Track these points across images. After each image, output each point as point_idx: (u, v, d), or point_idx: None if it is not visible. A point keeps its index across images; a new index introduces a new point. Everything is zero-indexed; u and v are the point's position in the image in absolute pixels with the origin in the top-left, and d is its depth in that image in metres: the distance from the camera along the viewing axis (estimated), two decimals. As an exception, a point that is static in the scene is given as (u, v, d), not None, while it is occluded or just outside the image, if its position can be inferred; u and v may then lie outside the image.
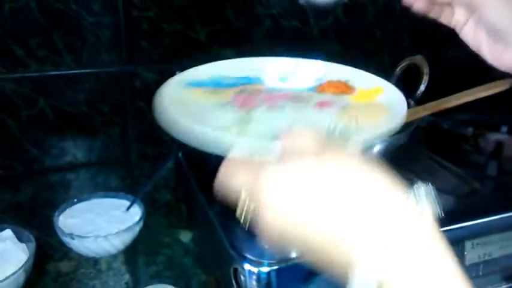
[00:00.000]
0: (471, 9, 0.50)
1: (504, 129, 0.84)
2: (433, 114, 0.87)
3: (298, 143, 0.32)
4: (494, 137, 0.81)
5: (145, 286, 0.55)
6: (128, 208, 0.63)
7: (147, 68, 0.80)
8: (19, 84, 0.74)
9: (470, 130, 0.79)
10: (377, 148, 0.56)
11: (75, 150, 0.81)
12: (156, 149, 0.86)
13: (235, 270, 0.50)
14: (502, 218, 0.60)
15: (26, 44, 0.72)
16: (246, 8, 0.82)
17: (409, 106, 0.66)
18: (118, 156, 0.84)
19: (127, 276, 0.59)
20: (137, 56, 0.79)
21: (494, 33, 0.49)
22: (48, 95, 0.76)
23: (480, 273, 0.59)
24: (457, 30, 0.53)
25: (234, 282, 0.51)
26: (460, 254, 0.57)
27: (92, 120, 0.80)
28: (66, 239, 0.58)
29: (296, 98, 0.56)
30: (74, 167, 0.81)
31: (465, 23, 0.51)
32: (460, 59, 0.96)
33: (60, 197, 0.74)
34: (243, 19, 0.83)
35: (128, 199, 0.65)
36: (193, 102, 0.52)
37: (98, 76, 0.78)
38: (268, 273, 0.48)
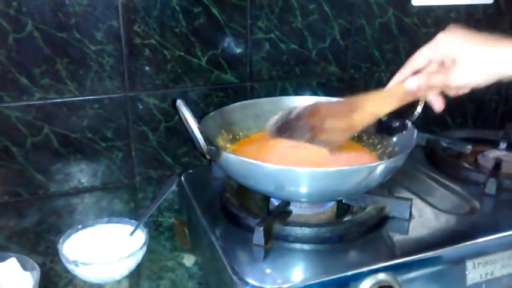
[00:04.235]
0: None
1: (503, 145, 0.85)
2: (432, 132, 0.88)
3: None
4: (493, 153, 0.81)
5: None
6: (132, 233, 0.64)
7: (149, 93, 0.81)
8: (24, 112, 0.75)
9: (469, 147, 0.80)
10: (378, 170, 0.57)
11: (80, 175, 0.82)
12: (159, 172, 0.87)
13: (238, 294, 0.50)
14: (503, 236, 0.60)
15: (30, 72, 0.74)
16: (245, 33, 0.84)
17: (406, 127, 0.67)
18: (122, 180, 0.85)
19: (131, 302, 0.60)
20: (139, 81, 0.80)
21: None
22: (52, 122, 0.77)
23: (483, 292, 0.59)
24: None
25: (236, 306, 0.51)
26: (461, 274, 0.57)
27: (95, 146, 0.81)
28: (71, 266, 0.58)
29: None
30: (78, 192, 0.82)
31: None
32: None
33: (65, 222, 0.74)
34: (243, 43, 0.84)
35: (131, 224, 0.65)
36: None
37: (101, 102, 0.79)
38: (270, 297, 0.49)
